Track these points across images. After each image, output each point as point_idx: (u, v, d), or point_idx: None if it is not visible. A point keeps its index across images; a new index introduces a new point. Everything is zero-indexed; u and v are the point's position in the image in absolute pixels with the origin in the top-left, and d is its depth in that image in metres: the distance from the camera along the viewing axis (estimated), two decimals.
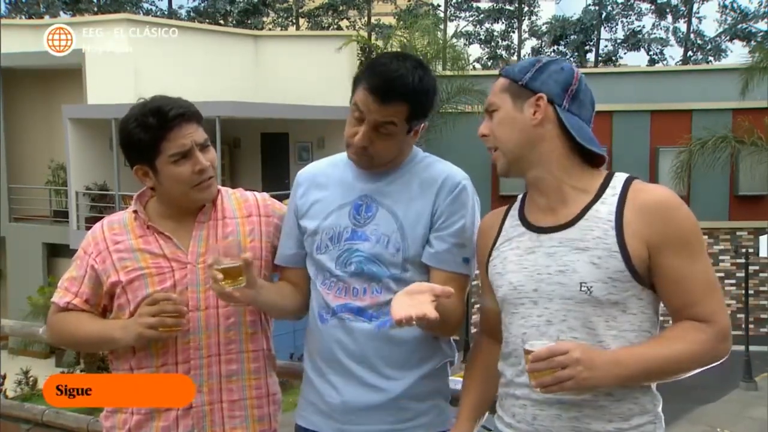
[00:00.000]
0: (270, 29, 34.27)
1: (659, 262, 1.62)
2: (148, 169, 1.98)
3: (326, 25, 35.33)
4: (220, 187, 2.11)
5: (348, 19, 36.22)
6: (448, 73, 18.15)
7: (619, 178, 1.71)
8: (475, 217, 1.94)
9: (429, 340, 1.94)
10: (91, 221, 17.48)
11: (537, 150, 1.71)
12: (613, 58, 37.46)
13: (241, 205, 2.12)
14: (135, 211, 2.06)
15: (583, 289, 1.62)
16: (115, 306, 2.03)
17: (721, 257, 18.96)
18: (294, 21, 36.39)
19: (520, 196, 1.86)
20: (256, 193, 2.19)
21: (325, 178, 2.04)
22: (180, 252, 2.01)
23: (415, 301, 1.65)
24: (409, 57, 1.91)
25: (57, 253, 18.50)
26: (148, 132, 1.92)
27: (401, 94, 1.81)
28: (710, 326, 1.61)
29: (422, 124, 1.92)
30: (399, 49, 17.62)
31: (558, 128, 1.71)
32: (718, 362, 1.66)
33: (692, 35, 35.94)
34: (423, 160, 1.98)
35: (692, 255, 1.63)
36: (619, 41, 37.16)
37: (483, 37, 37.60)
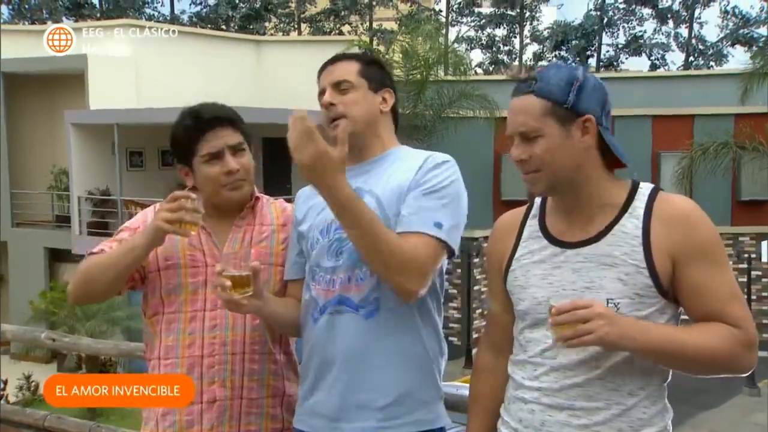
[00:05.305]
0: (272, 34, 34.32)
1: (683, 274, 1.61)
2: (188, 169, 2.10)
3: (328, 31, 35.39)
4: (261, 195, 2.19)
5: (350, 24, 36.28)
6: (449, 78, 18.14)
7: (644, 190, 1.69)
8: (458, 192, 1.91)
9: (415, 334, 1.92)
10: (93, 226, 17.46)
11: (584, 171, 1.67)
12: (615, 63, 37.45)
13: (279, 215, 2.19)
14: None
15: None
16: (148, 289, 2.10)
17: None
18: (296, 26, 36.47)
19: (537, 203, 1.82)
20: (293, 205, 2.24)
21: None
22: (216, 250, 2.09)
23: None
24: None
25: (59, 258, 18.50)
26: (185, 133, 2.07)
27: (345, 56, 2.04)
28: (739, 331, 1.59)
29: (388, 91, 2.02)
30: (400, 54, 17.63)
31: (596, 146, 1.67)
32: (742, 373, 1.63)
33: (694, 40, 35.96)
34: (410, 151, 2.02)
35: (715, 265, 1.62)
36: (620, 46, 37.18)
37: (485, 42, 37.64)
